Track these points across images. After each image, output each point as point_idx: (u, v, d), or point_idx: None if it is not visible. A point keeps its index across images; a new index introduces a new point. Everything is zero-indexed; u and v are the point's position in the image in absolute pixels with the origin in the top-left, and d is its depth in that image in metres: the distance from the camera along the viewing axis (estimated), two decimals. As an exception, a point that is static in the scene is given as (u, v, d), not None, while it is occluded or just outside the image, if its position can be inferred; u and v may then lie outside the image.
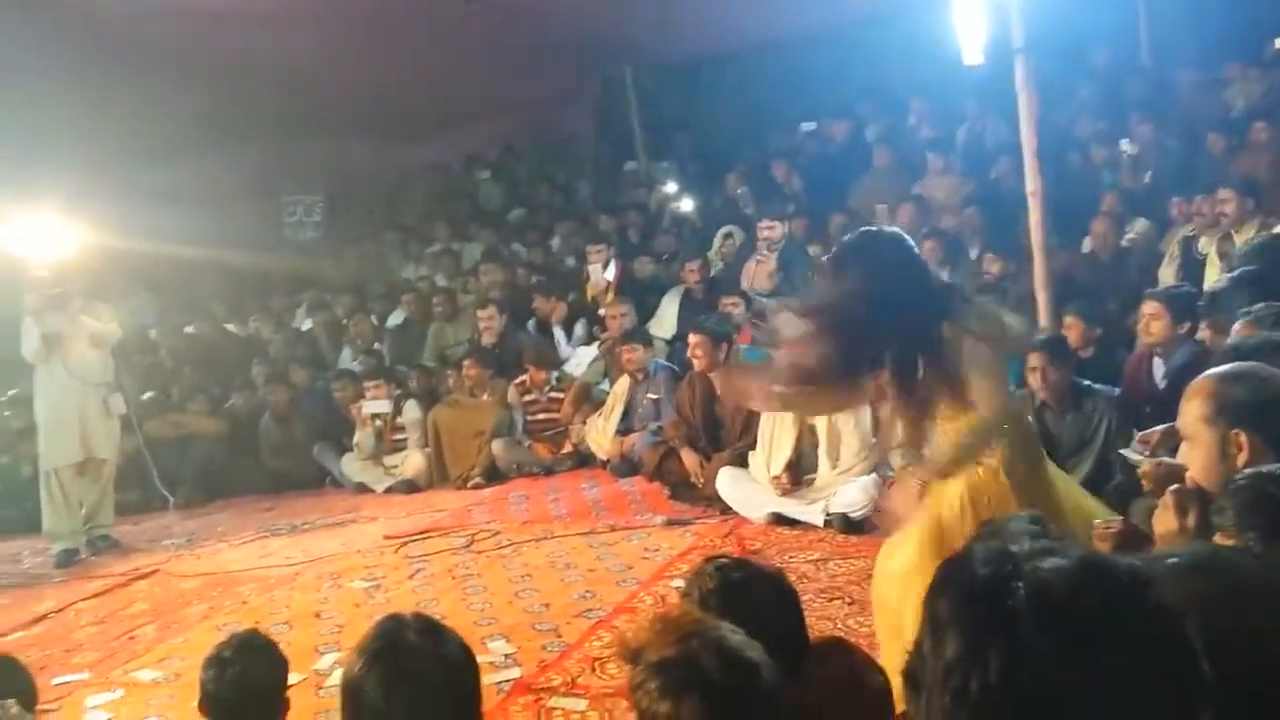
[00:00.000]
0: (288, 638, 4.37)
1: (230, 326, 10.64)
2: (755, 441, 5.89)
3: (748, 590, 2.32)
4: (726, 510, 5.88)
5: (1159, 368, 5.17)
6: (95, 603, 5.83)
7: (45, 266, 6.75)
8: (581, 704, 3.70)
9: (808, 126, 10.77)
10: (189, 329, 10.37)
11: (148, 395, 8.80)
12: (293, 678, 2.98)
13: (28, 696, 2.62)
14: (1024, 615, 0.94)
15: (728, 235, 9.17)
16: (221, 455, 8.67)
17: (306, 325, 10.38)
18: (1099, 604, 0.94)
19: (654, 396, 7.23)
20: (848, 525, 5.31)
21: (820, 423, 5.52)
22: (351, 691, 1.97)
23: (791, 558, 4.85)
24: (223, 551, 6.66)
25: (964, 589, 1.00)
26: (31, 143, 8.83)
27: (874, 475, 5.40)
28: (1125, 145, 8.13)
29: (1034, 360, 4.91)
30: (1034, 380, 4.93)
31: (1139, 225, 7.26)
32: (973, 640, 0.95)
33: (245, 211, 12.84)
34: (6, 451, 8.54)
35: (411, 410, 8.15)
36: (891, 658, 2.80)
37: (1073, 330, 5.73)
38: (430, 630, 2.07)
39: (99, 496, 7.07)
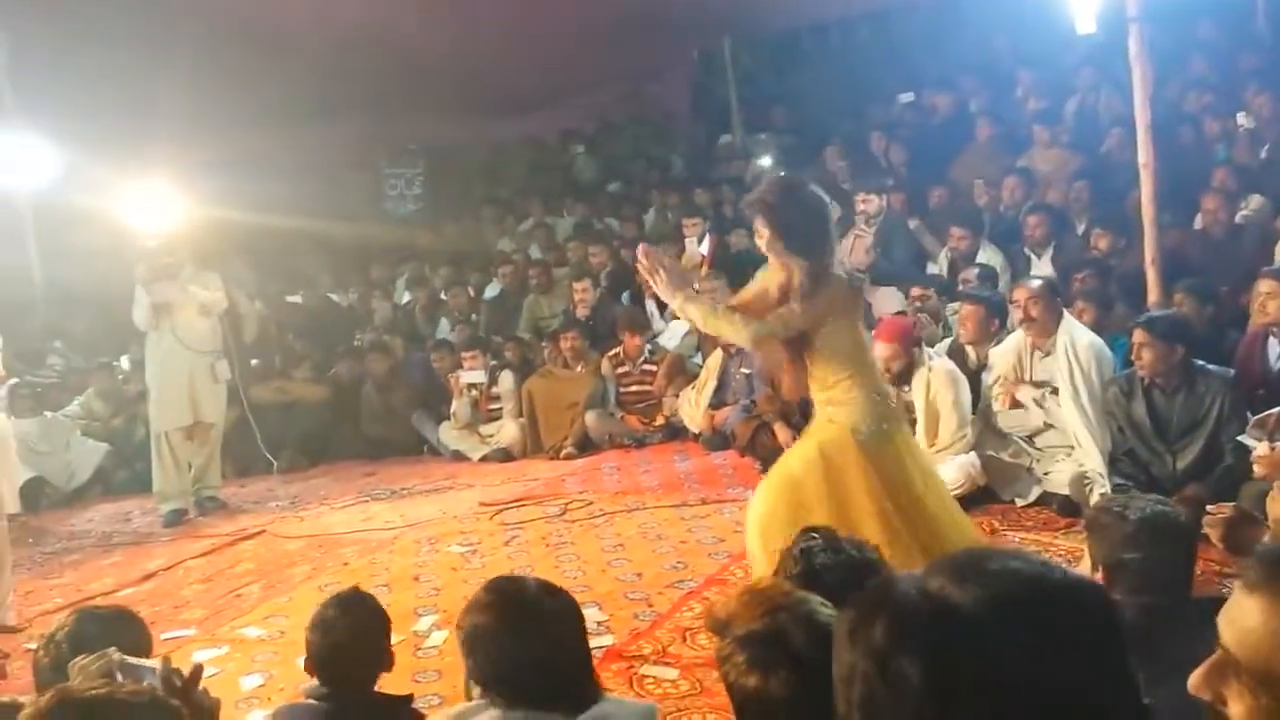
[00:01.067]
0: (387, 599, 4.45)
1: (333, 296, 10.88)
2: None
3: (837, 566, 2.31)
4: (819, 486, 5.84)
5: (1274, 348, 5.00)
6: (203, 561, 6.03)
7: (155, 237, 6.97)
8: (672, 673, 3.73)
9: (905, 97, 10.57)
10: (293, 298, 10.63)
11: (254, 362, 9.05)
12: (393, 638, 3.05)
13: (143, 650, 2.71)
14: (990, 618, 0.94)
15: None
16: (323, 421, 8.89)
17: (405, 299, 10.57)
18: (1052, 595, 0.98)
19: (747, 370, 7.20)
20: (944, 504, 5.25)
21: (918, 400, 5.45)
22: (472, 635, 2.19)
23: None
24: (325, 514, 6.84)
25: (898, 609, 0.98)
26: (140, 115, 9.11)
27: (972, 454, 5.32)
28: (1242, 118, 7.83)
29: (1136, 337, 4.78)
30: (1135, 358, 4.80)
31: (1254, 202, 6.97)
32: (944, 653, 0.94)
33: (346, 184, 13.10)
34: (122, 413, 8.88)
35: (506, 380, 8.26)
36: None
37: (1183, 309, 5.56)
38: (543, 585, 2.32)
39: (207, 459, 7.31)
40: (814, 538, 2.53)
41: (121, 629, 2.74)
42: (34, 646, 4.57)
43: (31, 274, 10.82)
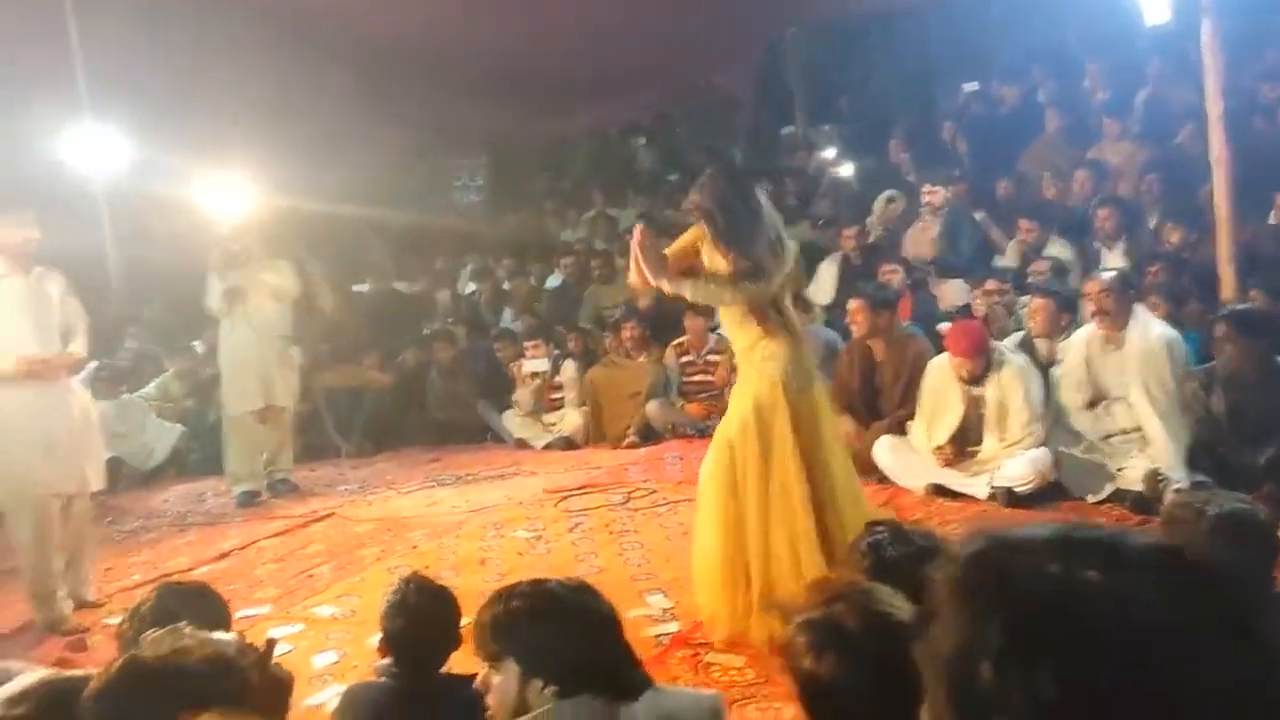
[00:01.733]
0: (454, 583, 4.48)
1: (399, 285, 11.02)
2: (915, 410, 5.82)
3: (905, 558, 2.32)
4: (883, 479, 5.83)
5: (1353, 345, 4.89)
6: (275, 542, 6.16)
7: (228, 224, 7.11)
8: (739, 661, 3.75)
9: (970, 86, 10.47)
10: (359, 287, 10.79)
11: (323, 348, 9.20)
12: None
13: (222, 625, 2.78)
14: (1133, 613, 0.83)
15: (890, 200, 8.98)
16: (390, 407, 9.01)
17: (469, 289, 10.69)
18: (1199, 585, 0.88)
19: (812, 362, 7.18)
20: (1013, 499, 5.21)
21: (990, 394, 5.41)
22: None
23: (954, 530, 4.76)
24: (392, 498, 6.94)
25: (1026, 601, 0.85)
26: (210, 105, 9.29)
27: (1043, 449, 5.28)
28: (1318, 109, 7.65)
29: (1219, 331, 4.71)
30: (1218, 352, 4.74)
31: (1332, 196, 6.82)
32: (1077, 653, 0.82)
33: (411, 175, 13.24)
34: (196, 396, 9.08)
35: (569, 370, 8.33)
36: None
37: (1256, 305, 5.47)
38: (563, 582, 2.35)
39: (278, 442, 7.46)
40: (880, 531, 2.53)
41: (201, 604, 2.82)
42: (114, 621, 4.75)
43: (107, 260, 11.10)
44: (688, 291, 4.11)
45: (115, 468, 7.98)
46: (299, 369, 7.47)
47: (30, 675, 2.32)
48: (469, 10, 9.24)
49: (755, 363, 4.02)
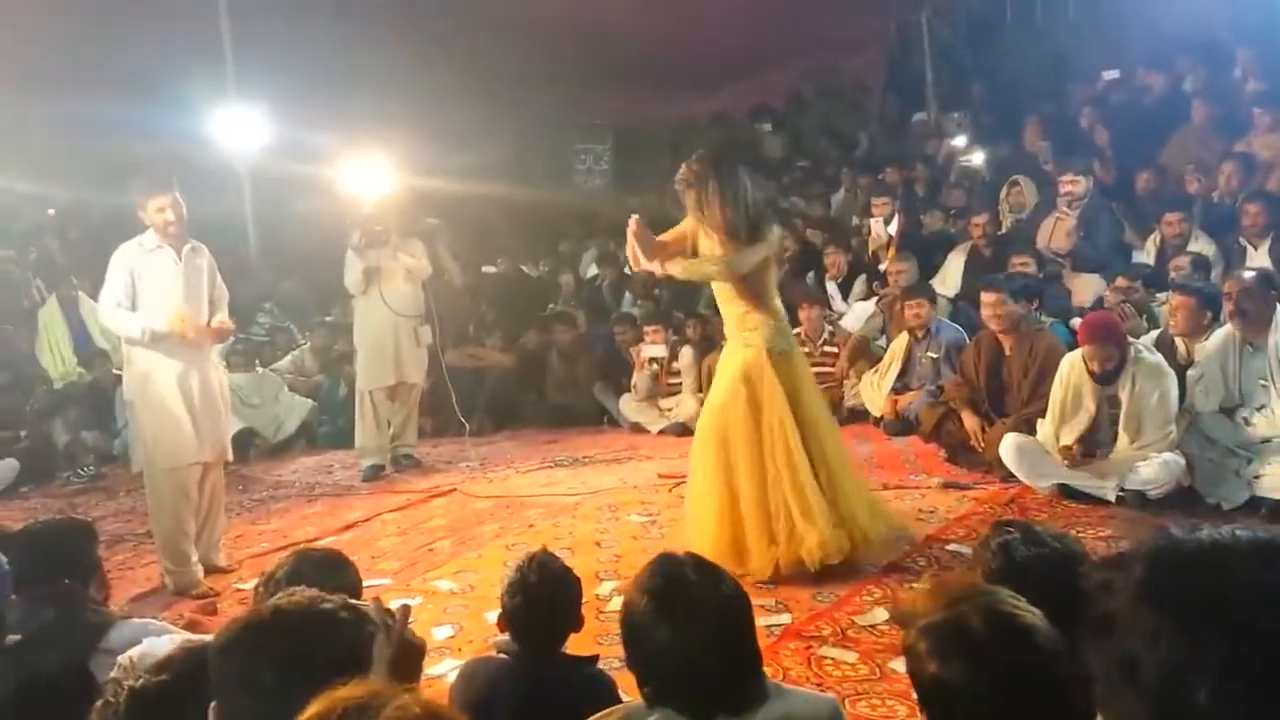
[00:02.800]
0: (570, 562, 4.54)
1: (524, 267, 11.17)
2: (1044, 408, 5.66)
3: (1038, 559, 2.26)
4: (1008, 477, 5.68)
5: None
6: (398, 515, 6.31)
7: (369, 204, 7.29)
8: (852, 656, 3.71)
9: (1110, 74, 10.09)
10: (489, 268, 10.97)
11: (449, 327, 9.38)
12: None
13: (354, 592, 2.84)
14: None
15: (1013, 184, 8.71)
16: (511, 388, 9.16)
17: (592, 272, 10.76)
18: None
19: (934, 355, 7.06)
20: (1144, 504, 5.03)
21: (1124, 394, 5.22)
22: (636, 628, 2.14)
23: (1080, 533, 4.62)
24: (511, 477, 7.06)
25: (1227, 597, 0.81)
26: (350, 88, 9.56)
27: (1176, 452, 5.08)
28: None
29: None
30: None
31: None
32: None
33: (537, 159, 13.42)
34: (328, 371, 9.37)
35: (686, 356, 8.34)
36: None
37: None
38: (706, 571, 2.23)
39: (405, 418, 7.64)
40: (1010, 531, 2.47)
41: (335, 571, 2.89)
42: (243, 587, 4.94)
43: (248, 236, 11.51)
44: (676, 270, 4.52)
45: (247, 438, 8.30)
46: (429, 348, 7.61)
47: (169, 640, 2.41)
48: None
49: (742, 334, 4.53)
